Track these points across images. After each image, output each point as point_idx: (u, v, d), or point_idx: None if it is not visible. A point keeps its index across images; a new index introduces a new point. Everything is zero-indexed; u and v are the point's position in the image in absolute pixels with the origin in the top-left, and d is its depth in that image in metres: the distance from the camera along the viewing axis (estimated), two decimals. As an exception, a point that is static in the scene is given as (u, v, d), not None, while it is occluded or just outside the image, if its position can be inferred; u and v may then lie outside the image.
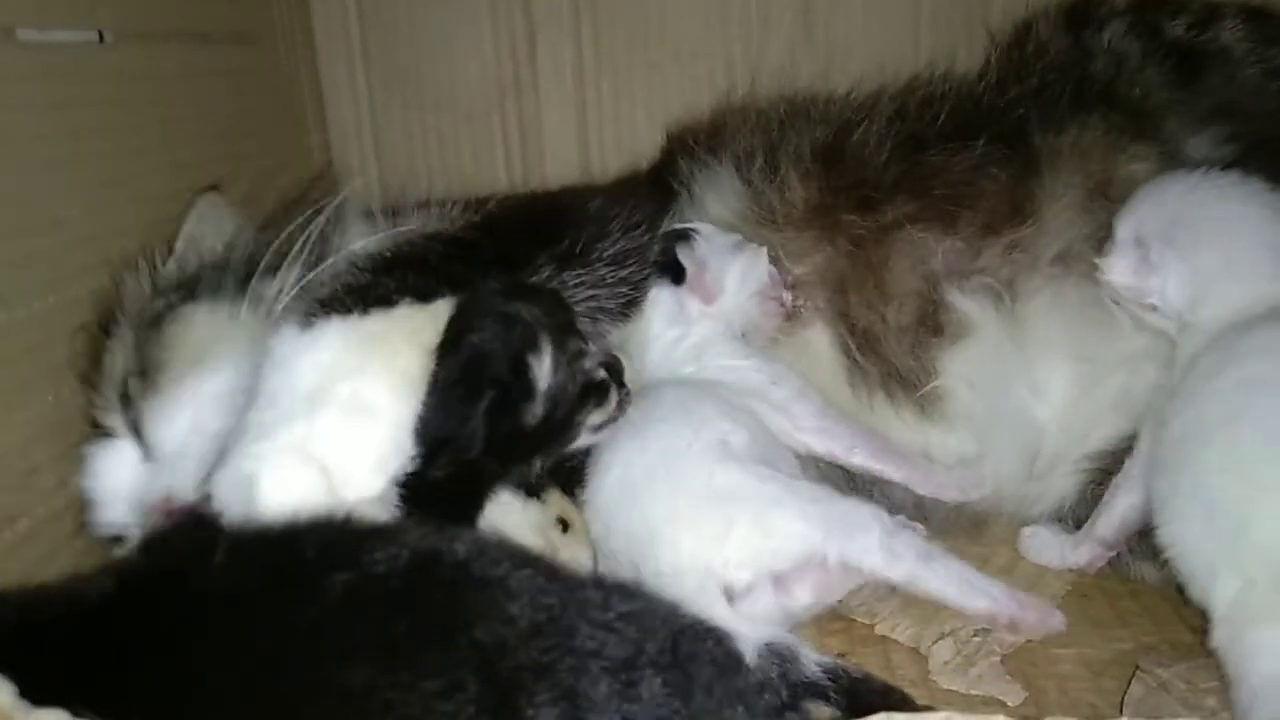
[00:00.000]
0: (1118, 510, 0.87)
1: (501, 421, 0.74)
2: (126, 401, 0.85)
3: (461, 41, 1.40)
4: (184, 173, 1.02)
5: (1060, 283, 0.94)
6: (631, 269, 0.93)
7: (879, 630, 0.85)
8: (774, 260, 0.97)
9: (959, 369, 0.95)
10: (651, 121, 1.32)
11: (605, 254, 0.92)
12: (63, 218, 0.90)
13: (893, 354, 0.96)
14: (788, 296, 0.97)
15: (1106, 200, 0.94)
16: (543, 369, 0.75)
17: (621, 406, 0.82)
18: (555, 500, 0.84)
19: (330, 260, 0.87)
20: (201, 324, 0.86)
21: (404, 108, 1.42)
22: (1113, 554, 0.90)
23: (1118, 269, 0.85)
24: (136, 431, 0.84)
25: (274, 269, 0.88)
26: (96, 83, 0.96)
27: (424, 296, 0.77)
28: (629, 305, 0.93)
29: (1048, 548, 0.92)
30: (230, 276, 0.88)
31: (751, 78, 1.19)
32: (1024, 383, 0.95)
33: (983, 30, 1.24)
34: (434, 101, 1.41)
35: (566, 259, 0.89)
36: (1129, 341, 0.92)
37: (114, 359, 0.87)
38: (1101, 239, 0.90)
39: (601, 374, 0.80)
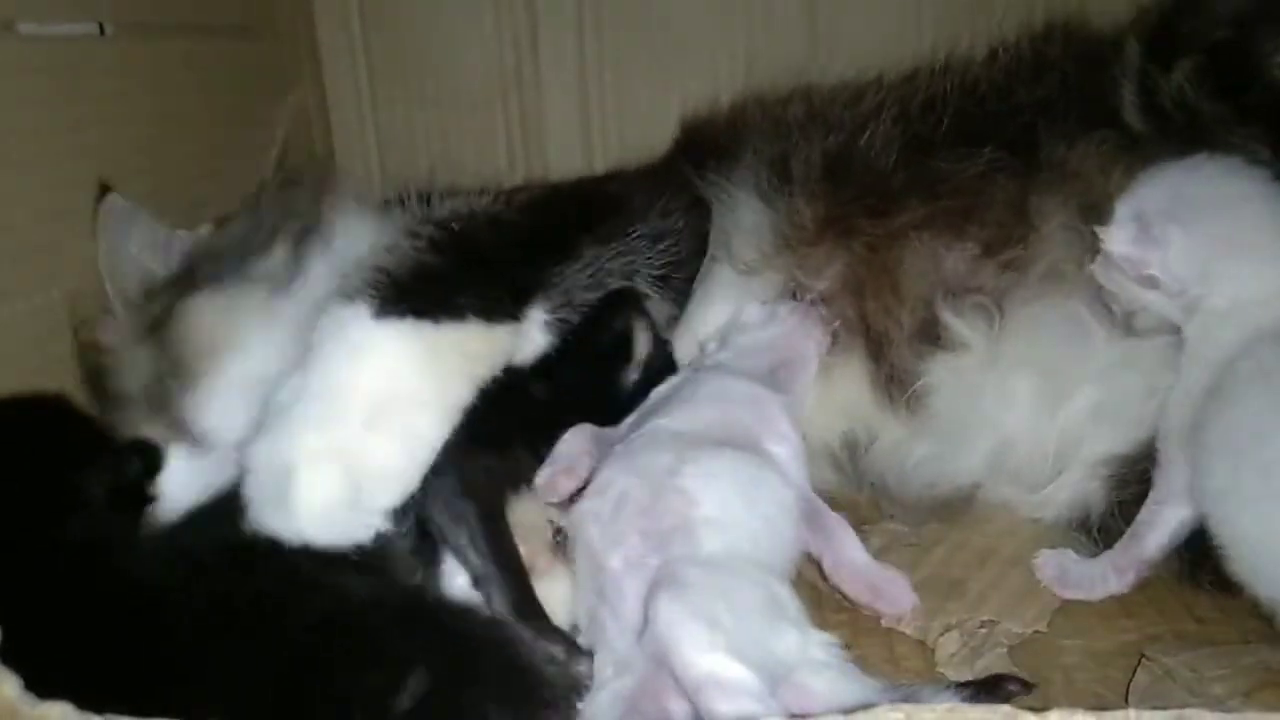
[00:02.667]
0: (1167, 528, 0.82)
1: (608, 372, 0.92)
2: (161, 408, 0.85)
3: (463, 34, 1.40)
4: (185, 166, 1.02)
5: (1042, 299, 0.93)
6: (667, 244, 0.96)
7: (885, 622, 0.84)
8: (795, 291, 0.97)
9: (941, 374, 0.95)
10: (654, 113, 1.32)
11: (642, 232, 0.96)
12: (64, 211, 0.90)
13: (900, 358, 0.95)
14: (824, 340, 0.96)
15: (1100, 222, 0.89)
16: (638, 346, 0.93)
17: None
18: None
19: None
20: (212, 310, 0.87)
21: (406, 100, 1.42)
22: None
23: (1117, 239, 0.84)
24: (181, 432, 0.85)
25: (266, 247, 0.90)
26: (97, 76, 0.96)
27: (490, 312, 0.80)
28: (664, 280, 0.97)
29: (1080, 583, 0.86)
30: (225, 262, 0.89)
31: (755, 69, 1.19)
32: (995, 393, 0.94)
33: (986, 21, 1.23)
34: (435, 94, 1.41)
35: (606, 239, 0.94)
36: (1102, 355, 0.91)
37: (130, 374, 0.88)
38: (1091, 256, 0.89)
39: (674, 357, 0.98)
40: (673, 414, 0.84)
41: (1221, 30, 0.92)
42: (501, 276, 0.83)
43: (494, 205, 0.92)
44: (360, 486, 0.72)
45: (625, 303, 0.96)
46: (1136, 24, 0.99)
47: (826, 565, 0.82)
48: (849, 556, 0.82)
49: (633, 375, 0.94)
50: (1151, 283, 0.83)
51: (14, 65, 0.86)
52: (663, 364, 0.96)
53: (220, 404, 0.84)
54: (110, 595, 0.69)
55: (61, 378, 0.88)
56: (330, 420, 0.73)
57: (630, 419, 0.88)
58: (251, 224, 0.92)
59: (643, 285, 0.96)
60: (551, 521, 0.82)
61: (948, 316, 0.94)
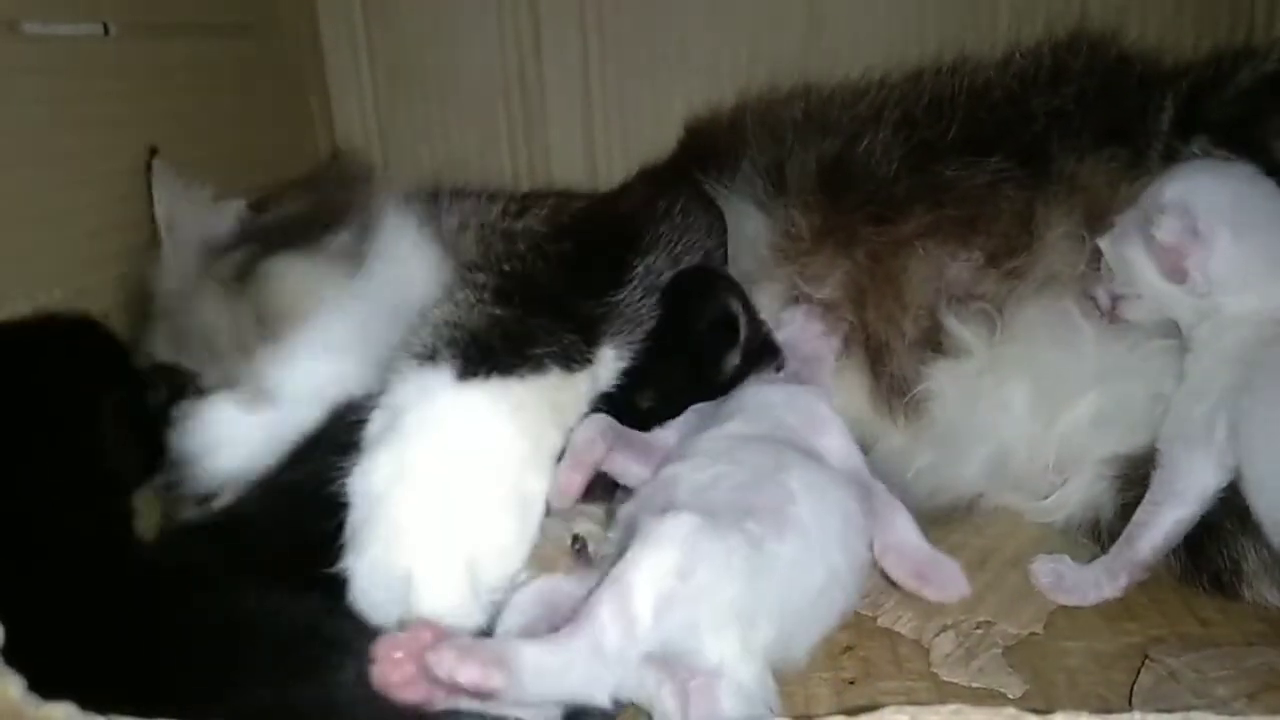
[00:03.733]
0: (1162, 529, 0.82)
1: (710, 363, 0.90)
2: (225, 354, 0.87)
3: (467, 34, 1.40)
4: (189, 166, 1.02)
5: (1037, 305, 0.93)
6: (691, 240, 0.96)
7: (881, 623, 0.84)
8: (797, 298, 0.97)
9: (941, 380, 0.95)
10: (657, 114, 1.32)
11: (667, 230, 0.95)
12: (68, 211, 0.90)
13: (900, 366, 0.95)
14: (832, 339, 0.96)
15: (1102, 229, 0.91)
16: (741, 325, 0.90)
17: (778, 368, 0.92)
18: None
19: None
20: (295, 274, 0.89)
21: (409, 100, 1.43)
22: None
23: (1168, 228, 0.82)
24: (237, 384, 0.86)
25: (334, 227, 0.92)
26: (101, 75, 0.96)
27: (568, 360, 0.80)
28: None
29: (1074, 588, 0.85)
30: (297, 232, 0.91)
31: (758, 70, 1.19)
32: (993, 399, 0.94)
33: (991, 25, 1.23)
34: (439, 94, 1.41)
35: (648, 249, 0.92)
36: (1094, 362, 0.91)
37: (201, 315, 0.88)
38: (1091, 264, 0.90)
39: (772, 337, 0.93)
40: (729, 427, 0.83)
41: (1233, 108, 0.93)
42: (570, 320, 0.82)
43: (527, 228, 0.93)
44: (482, 569, 0.69)
45: (714, 281, 0.92)
46: (1174, 83, 0.98)
47: (876, 548, 0.80)
48: (899, 538, 0.81)
49: (734, 360, 0.90)
50: (1180, 276, 0.82)
51: (18, 65, 0.86)
52: (762, 344, 0.92)
53: (293, 366, 0.86)
54: (117, 592, 0.69)
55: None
56: (442, 512, 0.69)
57: (673, 431, 0.87)
58: (310, 206, 0.93)
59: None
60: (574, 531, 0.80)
61: (951, 323, 0.94)
